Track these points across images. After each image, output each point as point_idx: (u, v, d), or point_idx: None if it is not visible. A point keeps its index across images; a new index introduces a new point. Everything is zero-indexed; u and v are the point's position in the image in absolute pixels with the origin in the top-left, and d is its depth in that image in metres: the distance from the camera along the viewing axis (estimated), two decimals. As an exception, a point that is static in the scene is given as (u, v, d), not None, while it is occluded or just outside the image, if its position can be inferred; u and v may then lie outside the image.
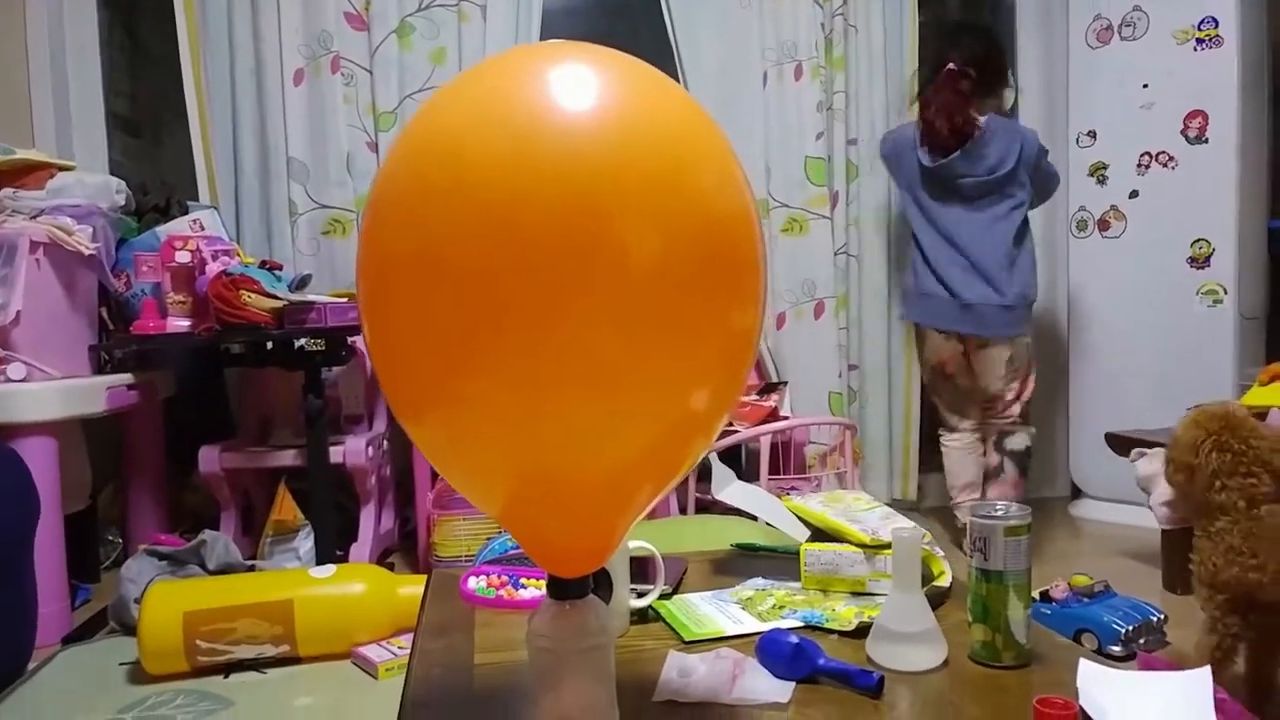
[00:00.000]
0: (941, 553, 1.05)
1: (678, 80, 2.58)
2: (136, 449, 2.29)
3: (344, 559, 2.06)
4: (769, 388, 2.48)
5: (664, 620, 0.96)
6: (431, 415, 0.64)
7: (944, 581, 1.02)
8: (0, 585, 1.46)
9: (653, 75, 0.65)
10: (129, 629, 1.63)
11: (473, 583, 1.08)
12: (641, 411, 0.62)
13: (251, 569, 1.80)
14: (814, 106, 2.57)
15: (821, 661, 0.80)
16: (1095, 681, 0.74)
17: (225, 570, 1.73)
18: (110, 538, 2.34)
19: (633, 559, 1.00)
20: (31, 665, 1.62)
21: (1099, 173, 2.63)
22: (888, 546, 1.00)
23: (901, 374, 2.73)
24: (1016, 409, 2.35)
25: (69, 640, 1.78)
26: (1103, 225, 2.64)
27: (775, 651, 0.82)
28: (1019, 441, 2.36)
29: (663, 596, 1.01)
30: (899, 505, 2.67)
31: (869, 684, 0.77)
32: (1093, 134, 2.64)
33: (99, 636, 1.79)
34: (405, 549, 2.43)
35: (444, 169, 0.59)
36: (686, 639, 0.90)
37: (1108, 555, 2.35)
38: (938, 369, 2.34)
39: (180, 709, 1.40)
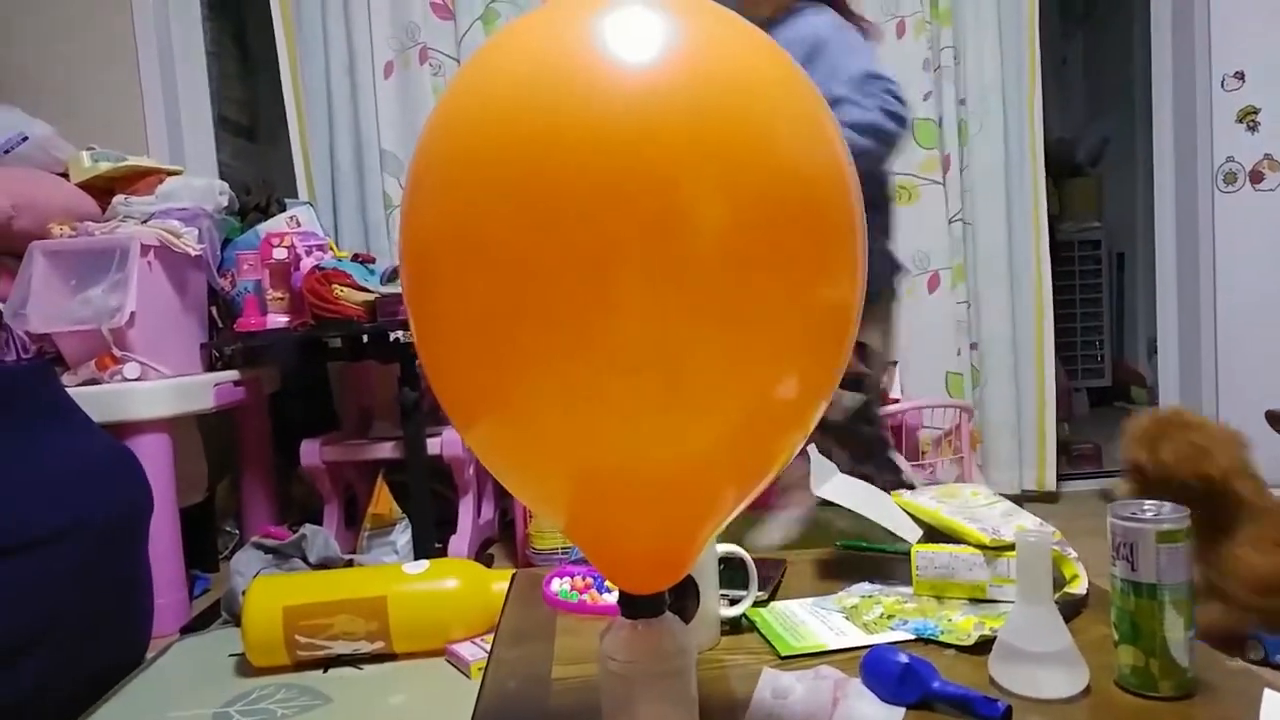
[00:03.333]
0: (1074, 554, 0.92)
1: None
2: (247, 443, 2.35)
3: (442, 552, 2.05)
4: (878, 369, 2.34)
5: (759, 631, 0.87)
6: (483, 416, 0.57)
7: (1078, 588, 0.90)
8: (110, 580, 1.50)
9: (725, 18, 0.56)
10: (238, 620, 1.65)
11: (556, 585, 1.03)
12: (715, 403, 0.53)
13: (350, 563, 1.81)
14: (920, 65, 2.40)
15: (936, 685, 0.70)
16: None
17: (324, 564, 1.74)
18: (228, 529, 2.42)
19: (724, 561, 0.92)
20: (150, 654, 1.67)
21: (1249, 118, 2.36)
22: (1011, 548, 0.88)
23: (1030, 350, 2.51)
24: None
25: (186, 630, 1.84)
26: (1255, 177, 2.37)
27: (882, 672, 0.72)
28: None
29: (757, 604, 0.93)
30: (1031, 496, 2.48)
31: (994, 715, 0.67)
32: (1240, 75, 2.36)
33: (214, 627, 1.84)
34: (504, 540, 2.42)
35: (483, 138, 0.52)
36: (783, 653, 0.82)
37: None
38: None
39: (281, 703, 1.40)
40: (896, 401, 2.21)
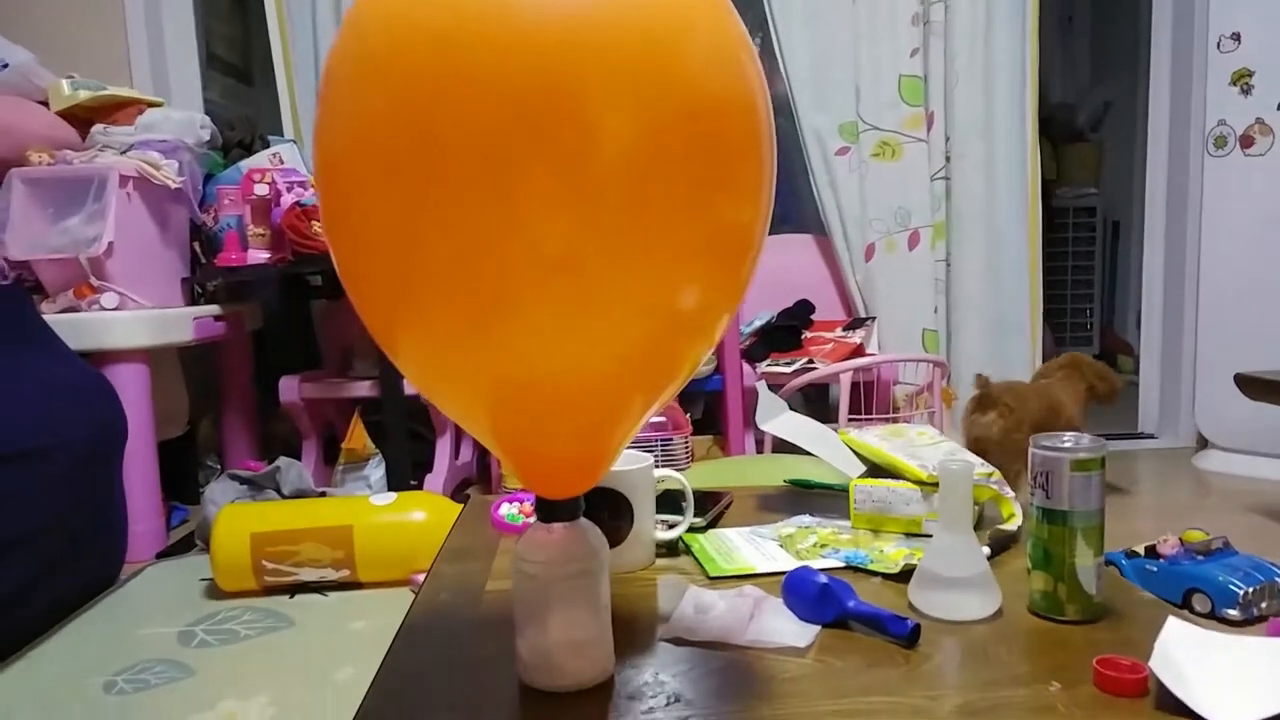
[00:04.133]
0: (1013, 494, 0.94)
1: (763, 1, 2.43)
2: (228, 379, 2.37)
3: (418, 489, 2.08)
4: (855, 323, 2.35)
5: (693, 555, 0.89)
6: (402, 332, 0.58)
7: (1012, 525, 0.91)
8: (86, 499, 1.52)
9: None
10: (209, 547, 1.68)
11: (505, 509, 1.04)
12: (618, 311, 0.54)
13: (323, 495, 1.84)
14: (909, 20, 2.37)
15: (851, 604, 0.72)
16: (1180, 644, 0.62)
17: (298, 496, 1.77)
18: (209, 463, 2.45)
19: (668, 492, 0.93)
20: (124, 576, 1.70)
21: (1243, 81, 2.33)
22: (947, 483, 0.90)
23: (1013, 310, 2.48)
24: None
25: (162, 556, 1.87)
26: (1245, 141, 2.35)
27: (801, 591, 0.74)
28: None
29: (695, 530, 0.95)
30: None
31: (901, 632, 0.69)
32: (1236, 36, 2.34)
33: (190, 554, 1.87)
34: (482, 480, 2.45)
35: (389, 41, 0.52)
36: (711, 574, 0.84)
37: (1235, 511, 2.14)
38: None
39: (245, 624, 1.44)
40: (872, 355, 2.22)
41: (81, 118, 2.06)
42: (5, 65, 2.01)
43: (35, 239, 1.86)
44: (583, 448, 0.62)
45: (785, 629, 0.71)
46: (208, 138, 2.17)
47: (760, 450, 2.21)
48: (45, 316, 1.76)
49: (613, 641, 0.65)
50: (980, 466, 0.94)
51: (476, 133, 0.49)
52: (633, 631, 0.72)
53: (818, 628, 0.72)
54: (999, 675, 0.63)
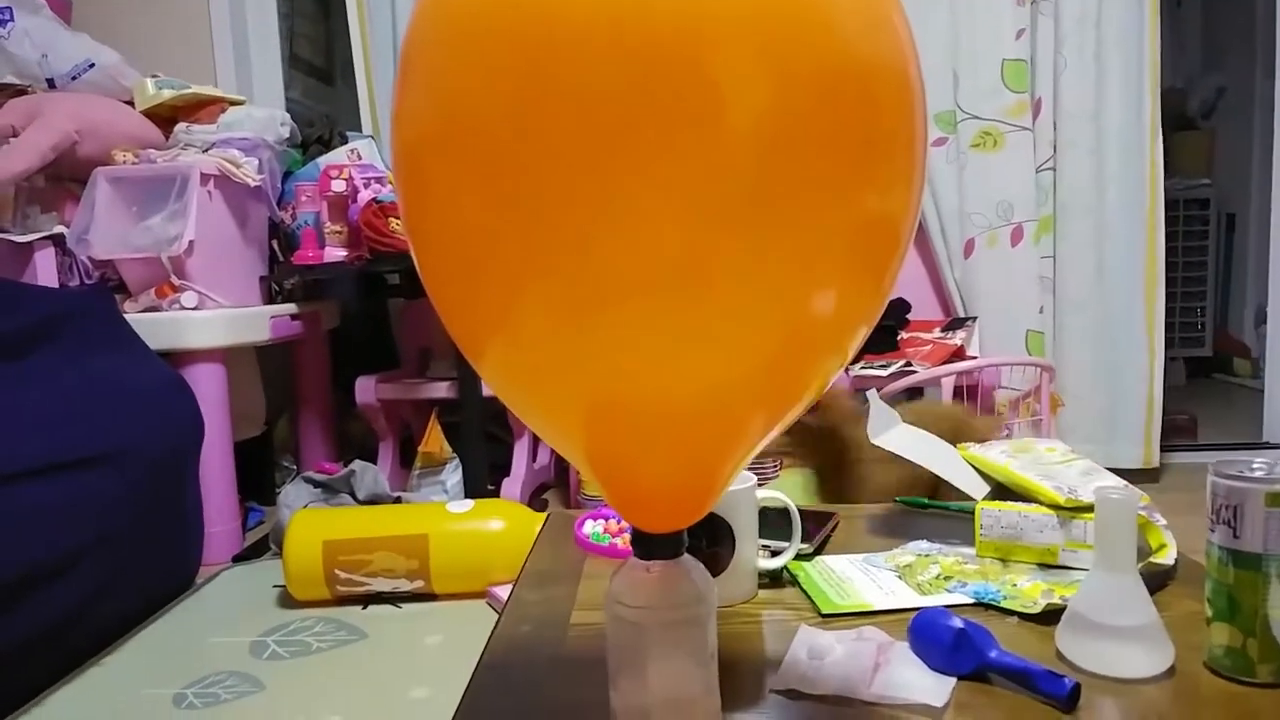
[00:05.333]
0: (1163, 521, 0.82)
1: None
2: (305, 379, 2.36)
3: (495, 494, 2.03)
4: (955, 324, 2.21)
5: (800, 586, 0.80)
6: (488, 341, 0.50)
7: (1165, 558, 0.79)
8: (162, 503, 1.51)
9: None
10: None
11: (589, 526, 0.97)
12: (740, 320, 0.45)
13: (398, 500, 1.80)
14: (1013, 1, 2.22)
15: (993, 654, 0.62)
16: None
17: (373, 501, 1.73)
18: (285, 463, 2.44)
19: (766, 511, 0.84)
20: (199, 580, 1.69)
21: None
22: (1089, 509, 0.79)
23: (1137, 312, 2.29)
24: None
25: (238, 559, 1.86)
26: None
27: (933, 637, 0.64)
28: None
29: (801, 557, 0.85)
30: (1128, 476, 2.30)
31: (1059, 692, 0.58)
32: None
33: (265, 558, 1.85)
34: (560, 486, 2.39)
35: (475, 7, 0.44)
36: (824, 611, 0.74)
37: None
38: None
39: (317, 636, 1.40)
40: (974, 359, 2.08)
41: (165, 116, 2.08)
42: (92, 65, 2.03)
43: (119, 238, 1.86)
44: (690, 476, 0.53)
45: (917, 682, 0.62)
46: (287, 135, 2.16)
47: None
48: (127, 316, 1.76)
49: (719, 697, 0.56)
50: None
51: (579, 108, 0.41)
52: (737, 679, 0.64)
53: (954, 680, 0.62)
54: (1192, 757, 0.52)
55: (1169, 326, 3.78)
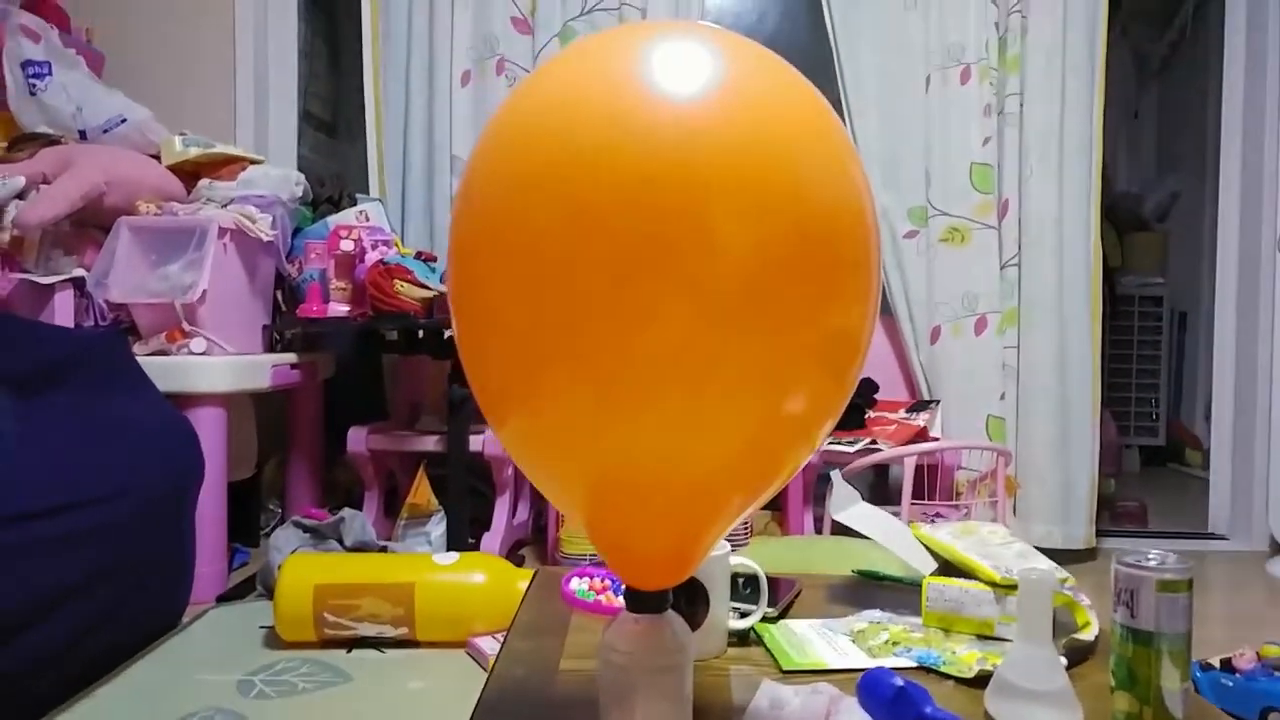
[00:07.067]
0: (1088, 601, 0.93)
1: (836, 84, 2.49)
2: (298, 425, 2.44)
3: (475, 547, 2.10)
4: (919, 405, 2.34)
5: (764, 645, 0.90)
6: (514, 414, 0.61)
7: (1088, 634, 0.90)
8: (160, 540, 1.58)
9: (763, 57, 0.60)
10: (271, 594, 1.72)
11: (574, 584, 1.06)
12: (730, 414, 0.57)
13: (384, 549, 1.87)
14: (982, 110, 2.41)
15: (928, 710, 0.72)
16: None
17: (360, 548, 1.80)
18: (271, 506, 2.50)
19: (740, 577, 0.95)
20: (186, 619, 1.75)
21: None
22: (1020, 588, 0.89)
23: (1085, 402, 2.44)
24: None
25: (223, 599, 1.91)
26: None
27: (877, 692, 0.74)
28: None
29: (767, 620, 0.95)
30: (1073, 555, 2.42)
31: (981, 744, 0.68)
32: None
33: (249, 598, 1.91)
34: (537, 542, 2.46)
35: (534, 152, 0.57)
36: (785, 668, 0.84)
37: (1314, 623, 2.05)
38: None
39: (303, 677, 1.46)
40: (936, 440, 2.20)
41: (189, 171, 2.18)
42: (124, 120, 2.14)
43: (136, 283, 1.95)
44: (677, 543, 0.64)
45: (862, 732, 0.72)
46: (300, 193, 2.28)
47: (819, 530, 2.19)
48: (136, 357, 1.84)
49: (693, 734, 0.66)
50: (1059, 572, 0.93)
51: (612, 242, 0.54)
52: (707, 723, 0.73)
53: (894, 733, 0.72)
54: (1084, 800, 0.62)
55: (1124, 415, 3.96)
